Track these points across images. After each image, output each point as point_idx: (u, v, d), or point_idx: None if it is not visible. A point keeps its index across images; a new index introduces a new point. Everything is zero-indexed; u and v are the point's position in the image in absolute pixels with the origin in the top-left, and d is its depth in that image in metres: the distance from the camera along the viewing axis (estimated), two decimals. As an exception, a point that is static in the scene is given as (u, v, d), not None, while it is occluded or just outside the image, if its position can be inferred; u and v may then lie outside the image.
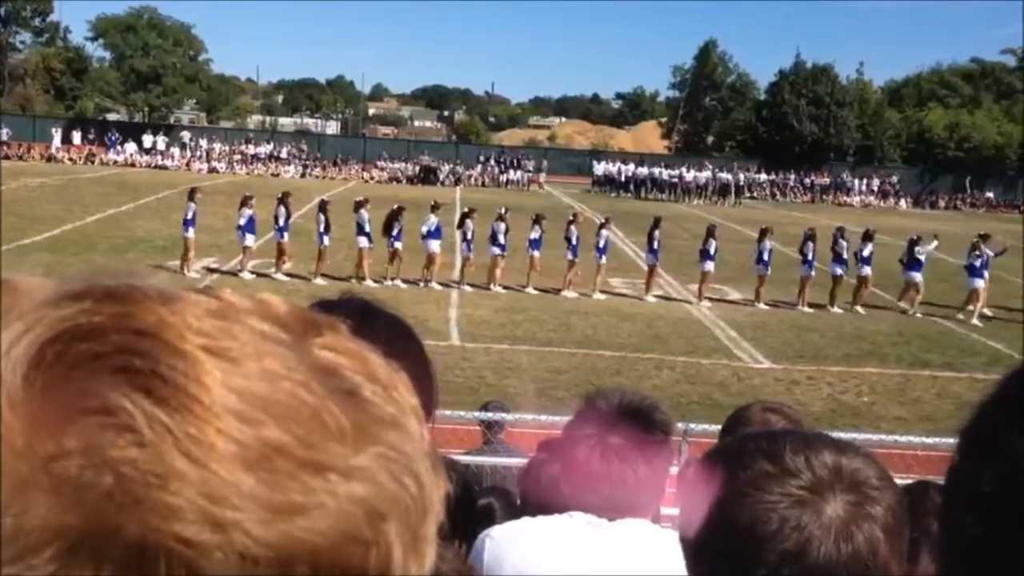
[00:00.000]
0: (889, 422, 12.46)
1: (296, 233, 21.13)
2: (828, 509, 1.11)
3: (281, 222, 20.42)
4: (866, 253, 20.75)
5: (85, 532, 0.38)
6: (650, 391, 12.45)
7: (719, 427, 3.18)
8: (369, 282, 19.98)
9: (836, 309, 20.04)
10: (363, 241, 20.38)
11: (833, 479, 1.13)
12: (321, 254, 20.25)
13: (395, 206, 20.82)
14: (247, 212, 20.22)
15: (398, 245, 20.23)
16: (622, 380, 13.61)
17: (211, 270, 20.53)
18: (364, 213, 20.55)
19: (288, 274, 20.25)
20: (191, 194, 20.96)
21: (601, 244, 20.49)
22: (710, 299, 20.16)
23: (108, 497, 0.38)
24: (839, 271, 20.54)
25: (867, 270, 20.66)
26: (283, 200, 20.72)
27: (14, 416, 0.39)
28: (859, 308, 20.22)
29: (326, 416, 0.44)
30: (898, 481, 1.26)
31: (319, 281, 19.75)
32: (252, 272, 20.27)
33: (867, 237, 21.09)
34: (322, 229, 20.35)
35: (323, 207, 20.70)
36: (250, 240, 20.17)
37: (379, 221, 20.44)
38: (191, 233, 20.21)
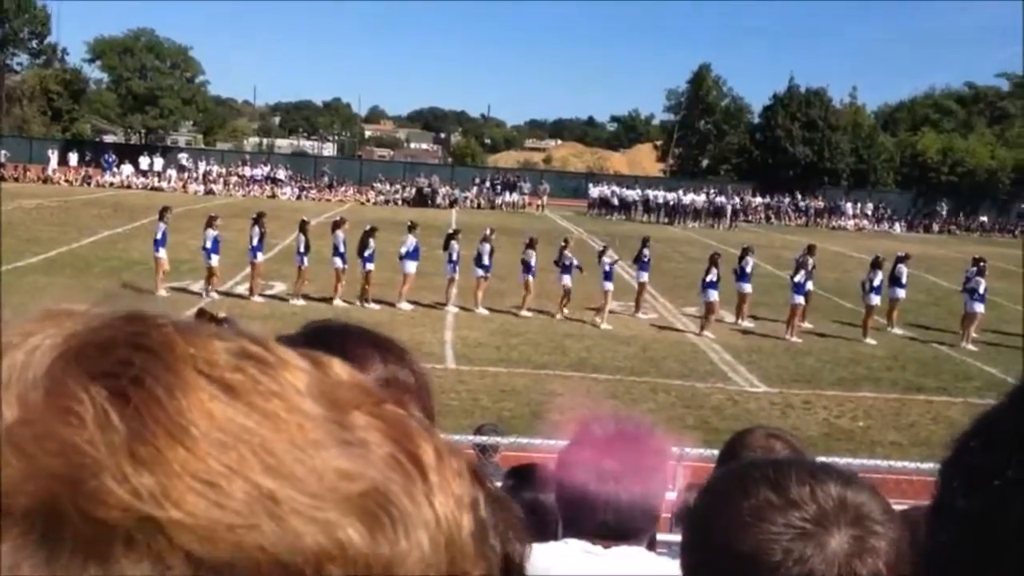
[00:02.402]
0: (884, 447, 12.44)
1: (289, 255, 21.11)
2: (832, 542, 1.10)
3: (255, 242, 20.36)
4: (876, 282, 20.37)
5: (35, 501, 0.39)
6: (646, 415, 12.45)
7: (715, 451, 3.17)
8: (338, 302, 19.96)
9: (793, 338, 19.50)
10: (337, 262, 20.35)
11: (838, 512, 1.12)
12: (301, 275, 20.20)
13: (368, 227, 20.80)
14: (211, 233, 20.20)
15: (370, 266, 20.14)
16: (617, 404, 13.59)
17: (189, 291, 20.49)
18: (340, 234, 20.54)
19: (265, 295, 20.25)
20: (161, 214, 20.96)
21: (607, 270, 20.30)
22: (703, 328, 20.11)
23: (52, 471, 0.39)
24: (798, 299, 19.98)
25: (875, 299, 20.27)
26: (257, 221, 20.64)
27: (10, 409, 0.41)
28: (869, 339, 19.66)
29: (307, 457, 0.43)
30: (895, 508, 1.26)
31: (298, 302, 19.71)
32: (220, 293, 20.32)
33: (875, 265, 20.66)
34: (302, 250, 20.33)
35: (303, 228, 20.65)
36: (215, 261, 20.17)
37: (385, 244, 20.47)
38: (162, 253, 20.18)
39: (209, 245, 20.11)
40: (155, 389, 0.42)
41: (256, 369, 0.45)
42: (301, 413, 0.44)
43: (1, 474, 0.40)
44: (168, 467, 0.40)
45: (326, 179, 56.39)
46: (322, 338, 1.31)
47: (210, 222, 20.48)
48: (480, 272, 20.46)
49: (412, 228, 21.15)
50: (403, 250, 20.65)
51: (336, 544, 0.42)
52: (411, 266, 20.50)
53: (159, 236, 20.27)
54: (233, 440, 0.42)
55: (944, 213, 60.62)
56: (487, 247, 20.67)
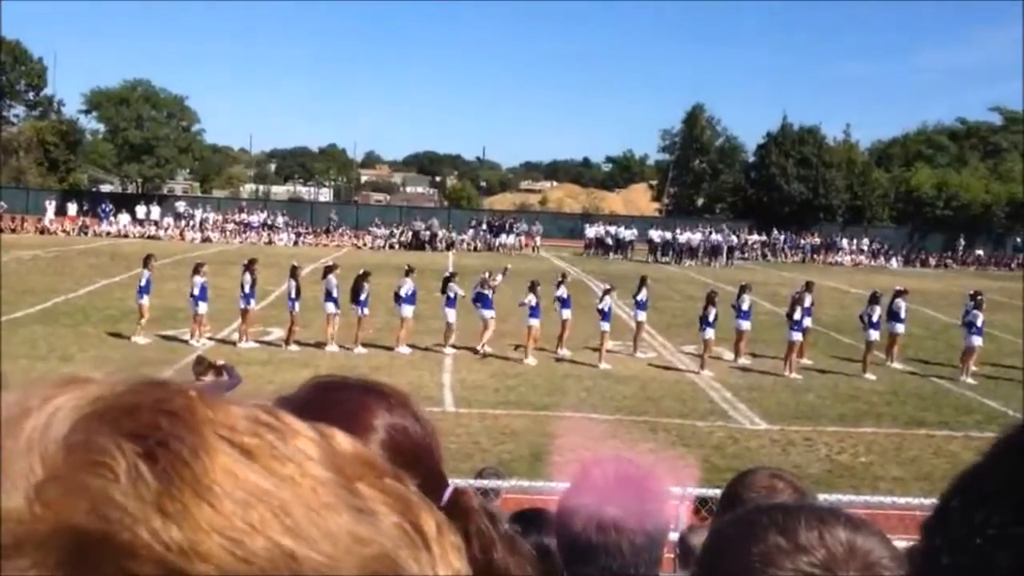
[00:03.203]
0: (887, 482, 12.38)
1: (285, 301, 21.12)
2: None
3: (247, 289, 20.36)
4: (875, 317, 20.45)
5: (66, 554, 0.41)
6: (645, 454, 12.39)
7: (717, 491, 3.16)
8: (333, 347, 19.96)
9: (793, 375, 19.47)
10: (330, 307, 20.34)
11: (847, 557, 1.11)
12: (292, 320, 20.17)
13: (361, 271, 20.82)
14: (199, 280, 20.23)
15: (364, 311, 20.09)
16: (617, 444, 13.53)
17: (207, 339, 20.46)
18: (332, 279, 20.57)
19: (262, 341, 20.23)
20: (145, 261, 21.00)
21: (606, 309, 20.34)
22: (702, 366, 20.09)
23: (84, 525, 0.41)
24: (796, 336, 20.02)
25: (875, 334, 20.35)
26: (248, 267, 20.69)
27: (35, 467, 0.43)
28: (869, 375, 19.67)
29: (322, 519, 0.46)
30: (899, 544, 1.25)
31: (293, 348, 19.67)
32: (217, 340, 20.30)
33: (873, 300, 20.78)
34: (293, 295, 20.33)
35: (294, 274, 20.67)
36: (203, 308, 20.17)
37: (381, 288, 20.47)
38: (145, 300, 20.20)
39: (196, 292, 20.13)
40: (181, 450, 0.44)
41: (271, 435, 0.48)
42: (314, 478, 0.47)
43: (32, 530, 0.41)
44: (195, 523, 0.42)
45: (332, 223, 56.48)
46: (326, 393, 1.31)
47: (197, 269, 20.52)
48: (486, 314, 20.48)
49: (409, 272, 21.18)
50: (401, 293, 20.68)
51: None
52: (408, 310, 20.51)
53: (143, 283, 20.34)
54: (254, 500, 0.44)
55: (940, 247, 60.93)
56: (488, 289, 20.72)
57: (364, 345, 20.05)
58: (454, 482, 1.30)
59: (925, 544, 0.71)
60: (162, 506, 0.42)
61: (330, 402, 1.27)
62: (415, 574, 0.48)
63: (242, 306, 20.33)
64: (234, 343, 19.98)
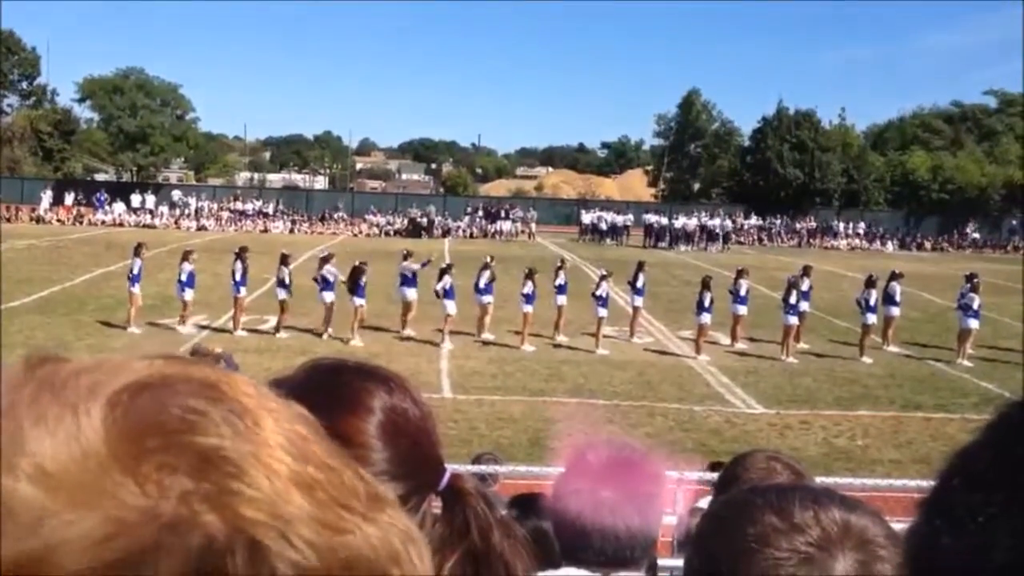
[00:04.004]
0: (884, 465, 12.42)
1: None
2: (837, 567, 1.09)
3: (238, 277, 20.40)
4: (871, 301, 20.47)
5: (173, 519, 0.45)
6: (643, 439, 12.42)
7: (714, 475, 3.16)
8: (327, 335, 19.95)
9: (789, 359, 19.47)
10: (326, 296, 20.36)
11: (842, 536, 1.12)
12: (283, 307, 20.13)
13: (357, 262, 20.78)
14: (187, 267, 20.27)
15: (360, 302, 19.97)
16: (615, 429, 13.56)
17: (202, 327, 20.47)
18: (330, 267, 20.61)
19: (259, 330, 20.23)
20: (136, 250, 20.99)
21: (603, 295, 20.33)
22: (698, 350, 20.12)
23: (196, 489, 0.46)
24: (792, 320, 19.98)
25: (871, 318, 20.35)
26: (240, 255, 20.70)
27: (98, 438, 0.46)
28: (865, 358, 19.67)
29: (345, 476, 0.52)
30: (896, 526, 1.26)
31: (282, 335, 19.66)
32: (204, 327, 20.36)
33: (869, 284, 20.75)
34: (286, 282, 20.33)
35: (284, 260, 20.65)
36: (189, 295, 20.21)
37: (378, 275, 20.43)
38: (136, 289, 20.23)
39: (184, 279, 20.16)
40: (241, 413, 0.50)
41: (271, 400, 0.54)
42: (315, 440, 0.53)
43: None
44: (278, 474, 0.49)
45: (338, 213, 56.39)
46: (323, 375, 1.31)
47: (186, 256, 20.55)
48: (484, 299, 20.49)
49: (408, 256, 21.22)
50: (401, 275, 20.76)
51: (395, 551, 0.52)
52: (411, 293, 20.56)
53: (135, 272, 20.36)
54: (298, 454, 0.51)
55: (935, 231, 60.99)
56: (487, 274, 20.71)
57: (362, 327, 20.04)
58: (451, 467, 1.30)
59: (924, 524, 0.70)
60: (259, 459, 0.48)
61: (327, 385, 1.27)
62: (410, 525, 0.56)
63: (234, 294, 20.36)
64: (230, 331, 19.99)
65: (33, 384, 0.49)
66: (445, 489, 1.27)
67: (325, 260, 20.87)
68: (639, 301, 21.48)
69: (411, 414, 1.30)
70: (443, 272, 20.70)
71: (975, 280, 20.75)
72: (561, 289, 20.75)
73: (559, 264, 21.87)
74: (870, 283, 20.73)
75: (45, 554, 0.43)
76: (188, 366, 0.53)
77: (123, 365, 0.51)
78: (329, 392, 1.22)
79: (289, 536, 0.47)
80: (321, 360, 1.38)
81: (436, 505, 1.28)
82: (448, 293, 20.16)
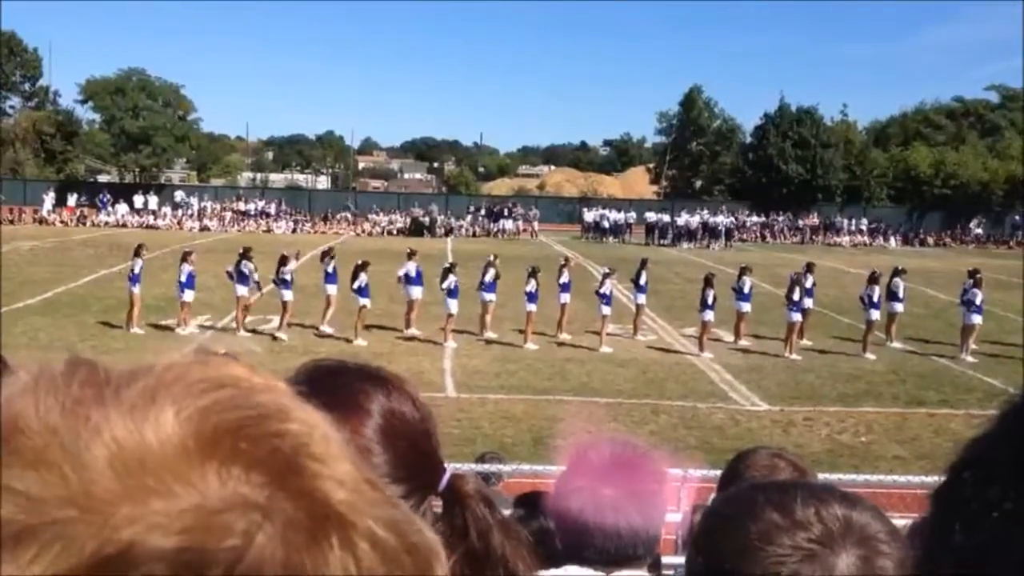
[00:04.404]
0: (888, 461, 12.41)
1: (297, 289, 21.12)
2: (839, 563, 1.10)
3: (255, 277, 20.57)
4: (875, 297, 20.41)
5: (254, 505, 0.46)
6: (647, 437, 12.42)
7: (718, 472, 3.16)
8: (325, 327, 20.01)
9: (793, 356, 19.44)
10: (329, 289, 20.48)
11: (844, 532, 1.12)
12: (285, 307, 20.10)
13: (359, 260, 20.78)
14: (187, 269, 20.31)
15: (363, 301, 19.92)
16: (619, 427, 13.56)
17: (204, 327, 20.49)
18: (331, 263, 20.76)
19: (249, 329, 20.28)
20: (137, 250, 21.03)
21: (607, 293, 20.28)
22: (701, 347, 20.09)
23: (274, 471, 0.48)
24: (795, 316, 19.93)
25: (875, 314, 20.31)
26: (245, 255, 20.80)
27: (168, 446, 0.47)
28: (869, 354, 19.63)
29: (379, 489, 0.53)
30: (900, 522, 1.26)
31: (282, 336, 19.62)
32: (206, 327, 20.47)
33: (873, 280, 20.69)
34: (288, 280, 20.31)
35: (283, 261, 20.65)
36: (189, 296, 20.27)
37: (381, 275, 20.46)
38: (137, 289, 20.23)
39: (184, 280, 20.20)
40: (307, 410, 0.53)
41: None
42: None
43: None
44: (349, 468, 0.51)
45: (350, 211, 56.39)
46: (323, 377, 1.31)
47: (185, 257, 20.58)
48: (487, 297, 20.50)
49: (412, 255, 21.27)
50: (401, 273, 20.90)
51: (435, 547, 0.54)
52: (416, 291, 20.61)
53: (135, 272, 20.40)
54: (342, 452, 0.52)
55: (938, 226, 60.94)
56: (492, 272, 20.70)
57: (366, 327, 20.05)
58: (452, 467, 1.30)
59: (936, 518, 0.69)
60: (326, 449, 0.50)
61: (327, 386, 1.27)
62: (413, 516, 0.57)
63: (236, 294, 20.41)
64: (234, 331, 20.05)
65: (79, 385, 0.49)
66: (445, 490, 1.27)
67: (326, 254, 20.97)
68: (642, 299, 21.51)
69: (410, 416, 1.30)
70: (447, 271, 20.68)
71: (978, 276, 20.71)
72: (565, 287, 20.75)
73: (563, 262, 21.89)
74: (873, 279, 20.70)
75: (123, 543, 0.43)
76: (238, 367, 0.54)
77: (178, 367, 0.52)
78: (329, 394, 1.22)
79: (370, 519, 0.48)
80: (321, 361, 1.39)
81: (437, 505, 1.29)
82: (452, 292, 20.15)
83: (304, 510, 0.47)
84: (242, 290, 20.46)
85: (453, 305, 19.90)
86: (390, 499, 0.52)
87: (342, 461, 0.50)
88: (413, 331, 20.29)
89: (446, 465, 1.31)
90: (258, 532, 0.45)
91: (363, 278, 19.99)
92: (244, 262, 20.61)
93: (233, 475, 0.46)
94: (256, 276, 20.63)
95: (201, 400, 0.49)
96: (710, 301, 19.80)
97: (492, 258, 21.44)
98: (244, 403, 0.50)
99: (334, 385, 1.29)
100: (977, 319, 20.10)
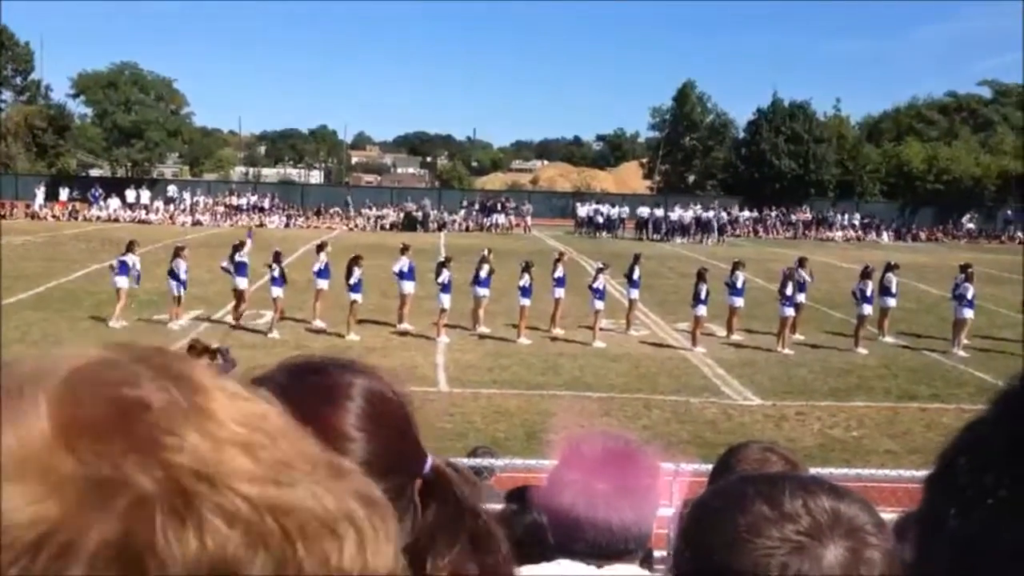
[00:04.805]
0: (879, 455, 12.45)
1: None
2: (828, 555, 1.10)
3: (236, 269, 20.69)
4: (868, 292, 20.50)
5: (101, 480, 0.46)
6: (640, 431, 12.44)
7: (710, 466, 3.17)
8: (318, 322, 20.10)
9: (785, 350, 19.54)
10: (320, 283, 20.51)
11: (832, 524, 1.13)
12: (275, 303, 20.01)
13: (353, 255, 20.74)
14: (180, 264, 20.41)
15: (356, 296, 19.85)
16: (611, 421, 13.58)
17: (198, 319, 20.45)
18: (323, 256, 20.77)
19: (246, 328, 20.25)
20: (129, 246, 21.08)
21: (599, 288, 20.30)
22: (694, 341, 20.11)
23: (124, 444, 0.48)
24: (788, 311, 20.01)
25: (867, 309, 20.36)
26: (238, 248, 20.93)
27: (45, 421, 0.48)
28: (861, 349, 19.72)
29: (303, 447, 0.54)
30: (890, 516, 1.27)
31: (274, 335, 19.53)
32: (193, 319, 20.47)
33: (865, 275, 20.80)
34: (277, 276, 20.29)
35: (277, 259, 20.61)
36: (180, 290, 20.37)
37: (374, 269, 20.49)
38: (123, 283, 20.31)
39: (176, 274, 20.33)
40: (191, 384, 0.53)
41: (232, 383, 0.56)
42: (279, 415, 0.56)
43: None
44: (218, 438, 0.50)
45: (352, 205, 56.29)
46: (300, 374, 1.32)
47: (177, 252, 20.61)
48: (480, 292, 20.49)
49: (405, 249, 21.26)
50: (396, 268, 20.88)
51: (349, 512, 0.53)
52: (408, 286, 20.60)
53: (118, 265, 20.48)
54: (254, 423, 0.53)
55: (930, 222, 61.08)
56: (486, 267, 20.70)
57: (358, 321, 20.04)
58: (431, 457, 1.32)
59: (931, 505, 0.69)
60: (189, 419, 0.50)
61: (306, 380, 1.28)
62: (378, 495, 0.57)
63: (237, 287, 20.52)
64: (228, 324, 20.06)
65: None
66: (427, 477, 1.29)
67: (320, 248, 20.99)
68: (635, 294, 21.57)
69: (391, 404, 1.31)
70: (442, 265, 20.67)
71: (969, 271, 20.75)
72: (559, 282, 20.79)
73: (558, 256, 21.96)
74: (865, 274, 20.77)
75: None
76: (129, 348, 0.55)
77: (70, 354, 0.53)
78: (308, 387, 1.23)
79: (218, 486, 0.48)
80: (296, 359, 1.40)
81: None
82: (446, 287, 20.15)
83: (146, 480, 0.47)
84: (242, 282, 20.51)
85: (446, 300, 19.86)
86: (267, 472, 0.51)
87: (196, 434, 0.50)
88: (405, 326, 20.29)
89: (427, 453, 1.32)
90: (101, 506, 0.45)
91: (357, 273, 19.95)
92: (238, 253, 20.65)
93: (88, 453, 0.47)
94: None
95: (76, 384, 0.50)
96: (703, 296, 19.82)
97: (486, 253, 21.44)
98: (111, 380, 0.50)
99: (313, 378, 1.30)
100: (969, 313, 20.16)
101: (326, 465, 0.55)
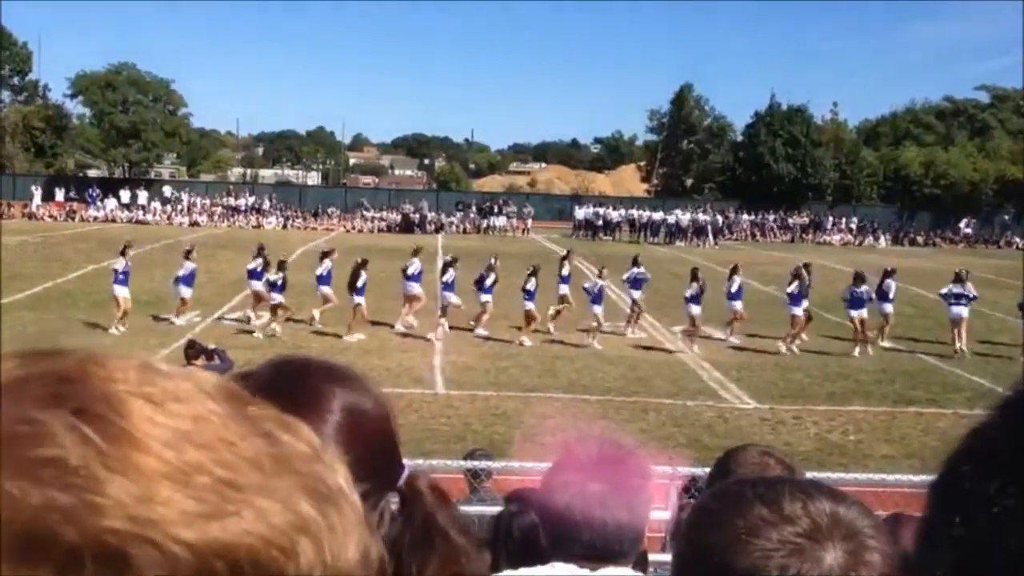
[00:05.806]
0: (876, 460, 12.45)
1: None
2: (827, 557, 1.10)
3: (272, 276, 20.63)
4: (863, 296, 20.43)
5: (28, 535, 0.43)
6: (636, 434, 12.43)
7: (707, 470, 3.17)
8: (316, 322, 20.10)
9: (788, 349, 19.66)
10: (324, 290, 20.53)
11: (831, 527, 1.12)
12: (273, 311, 19.98)
13: (358, 259, 20.75)
14: (189, 265, 20.48)
15: (359, 300, 19.82)
16: (608, 424, 13.57)
17: (199, 318, 20.45)
18: (328, 263, 20.72)
19: (244, 330, 20.26)
20: (123, 250, 20.93)
21: (597, 291, 20.34)
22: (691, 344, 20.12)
23: (45, 503, 0.43)
24: (797, 311, 20.07)
25: (864, 313, 20.26)
26: (260, 253, 20.95)
27: None
28: (856, 352, 19.75)
29: (243, 448, 0.49)
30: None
31: (260, 335, 19.50)
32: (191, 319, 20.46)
33: (860, 279, 20.72)
34: (273, 279, 20.30)
35: (282, 266, 20.58)
36: (187, 292, 20.42)
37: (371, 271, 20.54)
38: (121, 291, 20.02)
39: (183, 275, 20.40)
40: (100, 410, 0.47)
41: (163, 380, 0.51)
42: (218, 413, 0.51)
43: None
44: (143, 473, 0.45)
45: (363, 208, 56.25)
46: (285, 374, 1.32)
47: (187, 254, 20.78)
48: (484, 299, 20.52)
49: (416, 252, 21.61)
50: (410, 271, 21.01)
51: (299, 518, 0.49)
52: (415, 288, 20.66)
53: (119, 270, 20.23)
54: (183, 442, 0.48)
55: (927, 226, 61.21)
56: (492, 275, 20.73)
57: (373, 323, 20.14)
58: (409, 464, 1.32)
59: (935, 511, 0.68)
60: (110, 465, 0.45)
61: (289, 384, 1.28)
62: (336, 485, 0.53)
63: (252, 289, 20.90)
64: (236, 325, 20.13)
65: None
66: (402, 487, 1.29)
67: (325, 255, 21.03)
68: (637, 294, 21.63)
69: (369, 414, 1.31)
70: (447, 266, 20.88)
71: (961, 274, 20.86)
72: (564, 279, 21.07)
73: (564, 255, 22.33)
74: (858, 278, 20.75)
75: None
76: (43, 361, 0.50)
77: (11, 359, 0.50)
78: (290, 392, 1.22)
79: (156, 539, 0.44)
80: (286, 358, 1.40)
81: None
82: (449, 286, 20.37)
83: (75, 539, 0.43)
84: (256, 285, 20.57)
85: (453, 297, 20.22)
86: (203, 504, 0.47)
87: (119, 480, 0.45)
88: (409, 320, 20.34)
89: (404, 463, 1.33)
90: (35, 558, 0.43)
91: (363, 277, 19.98)
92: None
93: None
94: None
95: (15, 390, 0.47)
96: (695, 294, 19.91)
97: (493, 261, 21.43)
98: (8, 419, 0.46)
99: (295, 382, 1.29)
100: (959, 310, 20.11)
101: (270, 460, 0.50)
